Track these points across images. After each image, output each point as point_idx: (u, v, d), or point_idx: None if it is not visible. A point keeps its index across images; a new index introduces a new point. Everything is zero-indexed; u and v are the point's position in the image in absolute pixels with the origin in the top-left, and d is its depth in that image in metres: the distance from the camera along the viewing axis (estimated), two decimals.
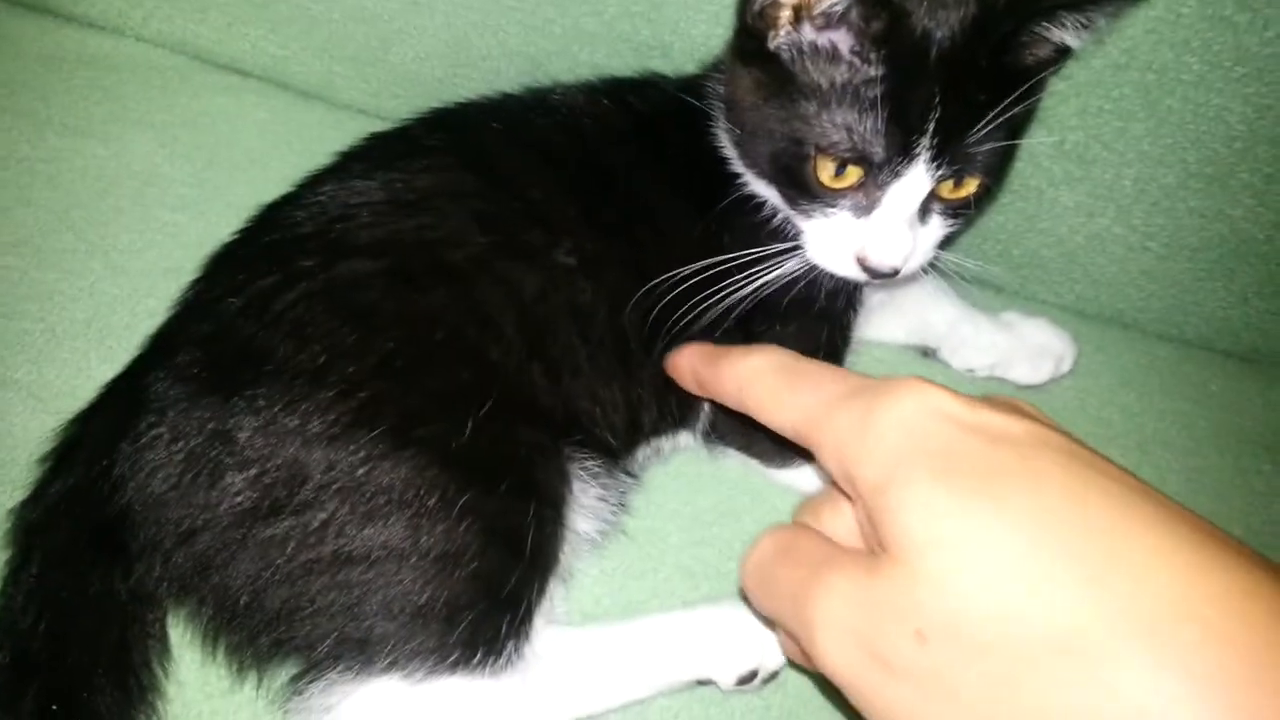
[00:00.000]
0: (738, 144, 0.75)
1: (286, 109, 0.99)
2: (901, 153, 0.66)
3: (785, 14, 0.67)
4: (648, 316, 0.74)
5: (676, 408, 0.79)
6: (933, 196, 0.70)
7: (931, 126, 0.65)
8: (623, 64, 0.94)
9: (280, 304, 0.66)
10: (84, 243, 0.87)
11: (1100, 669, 0.37)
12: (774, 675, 0.71)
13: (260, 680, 0.65)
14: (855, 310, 0.81)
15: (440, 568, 0.62)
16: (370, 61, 0.98)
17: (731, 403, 0.60)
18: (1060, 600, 0.38)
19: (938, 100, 0.64)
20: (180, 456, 0.63)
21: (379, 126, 0.83)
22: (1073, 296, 1.00)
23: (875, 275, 0.71)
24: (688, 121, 0.79)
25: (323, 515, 0.61)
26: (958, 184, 0.70)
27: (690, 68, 0.88)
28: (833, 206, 0.70)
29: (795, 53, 0.68)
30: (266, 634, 0.63)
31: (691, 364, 0.67)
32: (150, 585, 0.64)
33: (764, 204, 0.77)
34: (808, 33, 0.67)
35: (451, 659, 0.62)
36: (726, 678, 0.70)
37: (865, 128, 0.66)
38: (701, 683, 0.71)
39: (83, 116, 0.96)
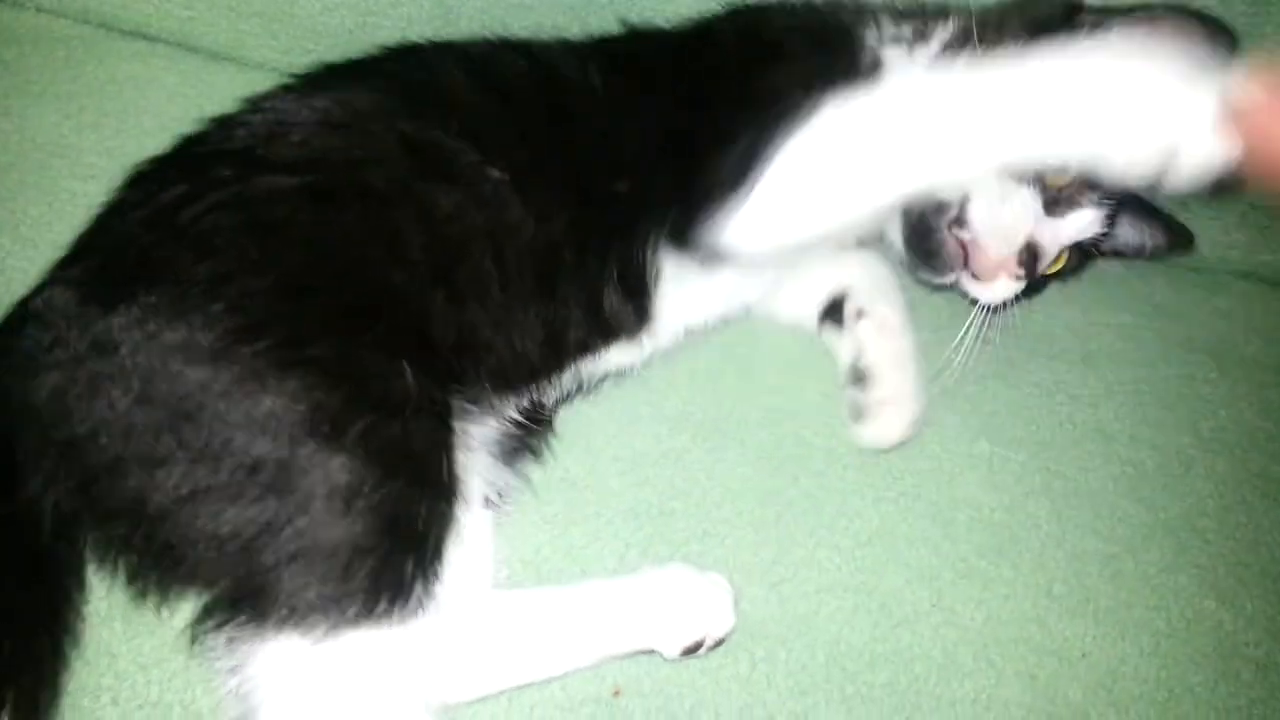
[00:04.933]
0: None
1: (197, 72, 0.96)
2: None
3: None
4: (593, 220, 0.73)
5: (611, 316, 0.76)
6: None
7: None
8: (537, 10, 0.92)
9: (186, 215, 0.64)
10: None
11: None
12: (719, 643, 0.70)
13: (162, 608, 0.63)
14: None
15: (331, 505, 0.59)
16: (277, 16, 0.95)
17: None
18: None
19: None
20: (61, 366, 0.60)
21: None
22: None
23: None
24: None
25: (203, 438, 0.58)
26: None
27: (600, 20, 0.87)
28: None
29: None
30: (158, 569, 0.61)
31: None
32: (36, 504, 0.61)
33: None
34: None
35: (352, 610, 0.59)
36: (671, 648, 0.69)
37: None
38: (644, 652, 0.69)
39: None
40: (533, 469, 0.77)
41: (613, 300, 0.75)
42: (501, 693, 0.67)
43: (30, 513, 0.61)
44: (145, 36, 0.99)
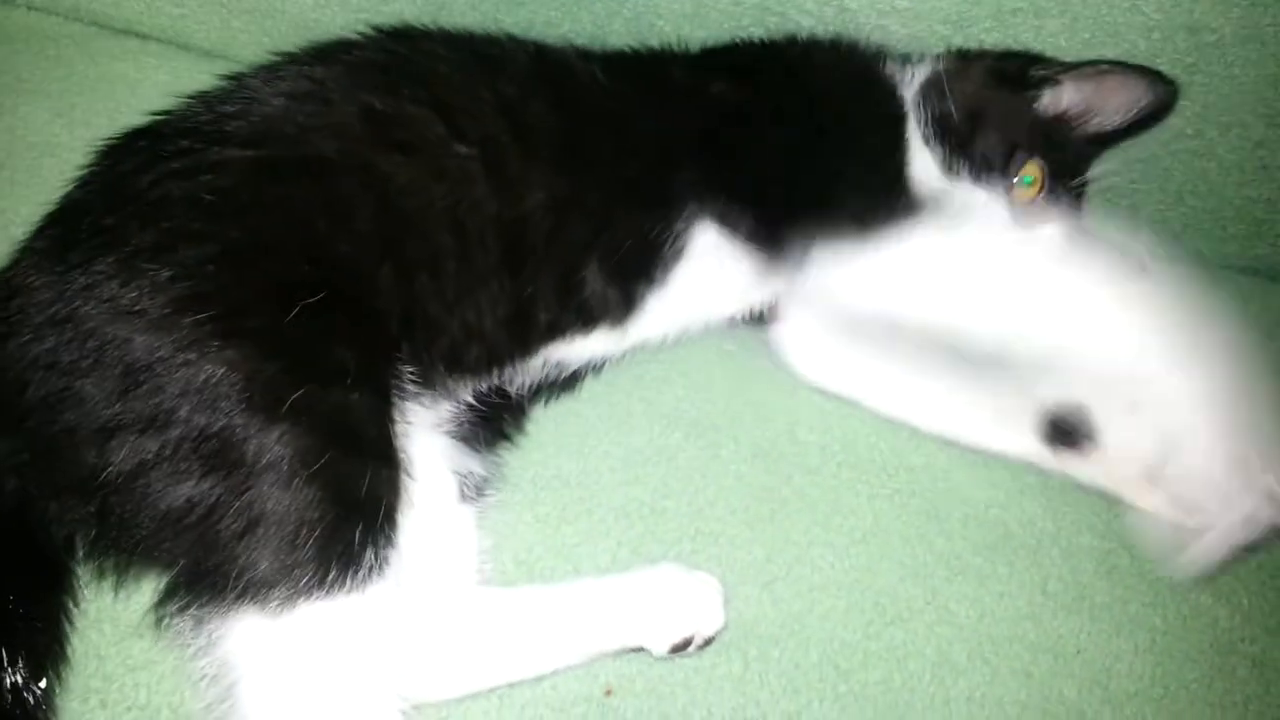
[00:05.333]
0: None
1: (189, 70, 0.96)
2: None
3: None
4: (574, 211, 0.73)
5: (592, 298, 0.76)
6: None
7: None
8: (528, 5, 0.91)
9: (139, 184, 0.65)
10: None
11: None
12: (709, 642, 0.69)
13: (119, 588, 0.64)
14: None
15: (274, 475, 0.59)
16: (268, 13, 0.95)
17: None
18: None
19: None
20: (17, 334, 0.61)
21: None
22: None
23: None
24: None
25: (149, 407, 0.59)
26: None
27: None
28: None
29: None
30: (114, 547, 0.62)
31: None
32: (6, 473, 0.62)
33: None
34: None
35: (304, 580, 0.58)
36: (660, 645, 0.68)
37: None
38: (632, 650, 0.69)
39: None
40: (526, 467, 0.77)
41: (595, 282, 0.75)
42: (492, 690, 0.67)
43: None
44: (137, 34, 0.99)
